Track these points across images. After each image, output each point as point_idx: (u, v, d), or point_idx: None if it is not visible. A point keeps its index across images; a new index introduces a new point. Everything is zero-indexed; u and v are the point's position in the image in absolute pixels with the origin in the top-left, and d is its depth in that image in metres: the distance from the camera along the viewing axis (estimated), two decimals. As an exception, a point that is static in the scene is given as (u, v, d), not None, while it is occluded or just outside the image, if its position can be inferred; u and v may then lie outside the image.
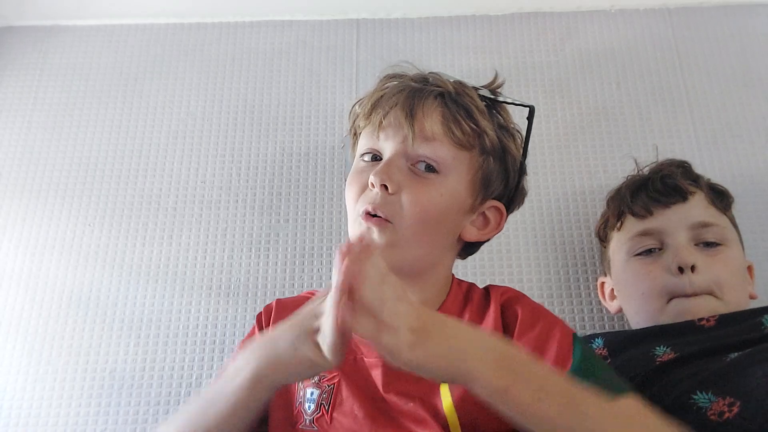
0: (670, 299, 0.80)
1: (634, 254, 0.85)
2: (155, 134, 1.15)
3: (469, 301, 0.69)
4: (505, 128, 0.71)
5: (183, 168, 1.12)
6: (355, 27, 1.24)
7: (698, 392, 0.62)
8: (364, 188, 0.65)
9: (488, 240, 0.73)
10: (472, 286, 0.72)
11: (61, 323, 1.00)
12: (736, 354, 0.66)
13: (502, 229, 0.71)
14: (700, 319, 0.75)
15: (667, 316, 0.79)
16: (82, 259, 1.04)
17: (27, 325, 0.99)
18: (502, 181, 0.71)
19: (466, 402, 0.59)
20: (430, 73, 0.73)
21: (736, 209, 0.90)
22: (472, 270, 1.01)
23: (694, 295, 0.78)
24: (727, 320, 0.74)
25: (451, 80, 0.70)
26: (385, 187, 0.62)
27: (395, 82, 0.70)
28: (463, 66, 1.18)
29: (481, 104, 0.69)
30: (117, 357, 0.97)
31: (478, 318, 0.67)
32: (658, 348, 0.73)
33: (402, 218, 0.62)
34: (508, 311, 0.66)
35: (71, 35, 1.25)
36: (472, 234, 0.70)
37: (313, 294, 0.75)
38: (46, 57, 1.23)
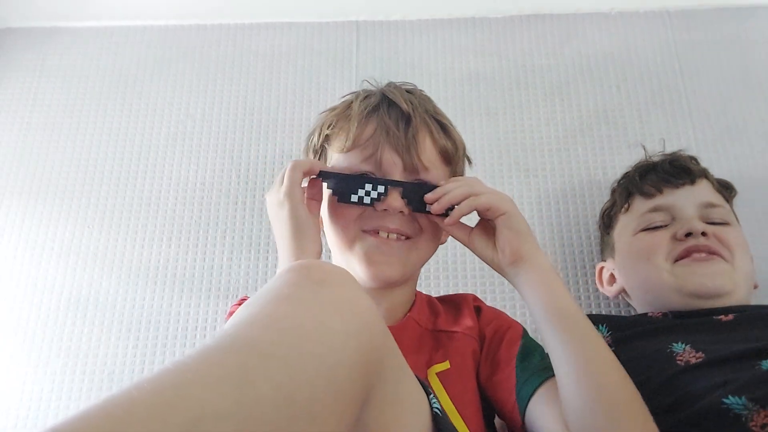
0: (677, 261, 0.78)
1: (641, 230, 0.85)
2: (154, 136, 1.14)
3: (433, 306, 0.74)
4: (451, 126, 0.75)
5: (182, 170, 1.11)
6: (354, 29, 1.24)
7: (730, 396, 0.60)
8: (361, 209, 0.67)
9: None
10: (428, 296, 0.77)
11: (59, 325, 0.99)
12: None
13: None
14: (717, 314, 0.73)
15: (673, 288, 0.78)
16: (81, 260, 1.04)
17: (25, 327, 0.99)
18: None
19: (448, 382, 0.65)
20: (400, 88, 0.73)
21: (736, 210, 0.90)
22: (471, 272, 1.01)
23: (704, 252, 0.77)
24: (745, 319, 0.72)
25: (416, 93, 0.73)
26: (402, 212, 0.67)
27: (372, 102, 0.70)
28: (463, 69, 1.18)
29: (446, 117, 0.73)
30: (116, 359, 0.97)
31: (453, 317, 0.72)
32: (676, 345, 0.69)
33: (420, 234, 0.69)
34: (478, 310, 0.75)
35: (70, 37, 1.25)
36: (444, 236, 0.73)
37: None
38: (46, 58, 1.23)
